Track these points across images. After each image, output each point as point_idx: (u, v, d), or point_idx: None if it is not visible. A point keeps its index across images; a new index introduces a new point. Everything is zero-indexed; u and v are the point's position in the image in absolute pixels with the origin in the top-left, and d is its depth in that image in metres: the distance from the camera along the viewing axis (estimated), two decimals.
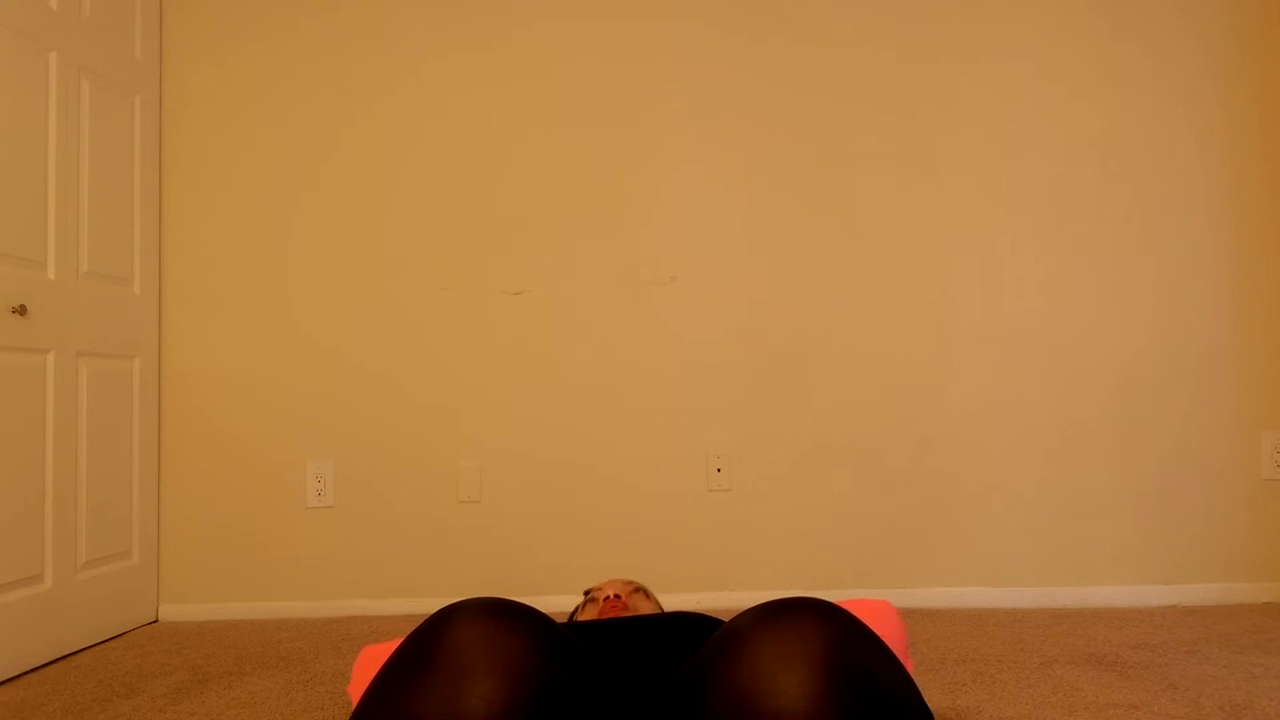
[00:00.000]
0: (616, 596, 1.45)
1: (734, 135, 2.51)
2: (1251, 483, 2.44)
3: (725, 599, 2.46)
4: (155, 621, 2.44)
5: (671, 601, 2.46)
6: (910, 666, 1.53)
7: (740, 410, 2.49)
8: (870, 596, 2.44)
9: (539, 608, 2.45)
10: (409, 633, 0.89)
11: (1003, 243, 2.48)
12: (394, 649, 0.95)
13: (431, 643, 0.83)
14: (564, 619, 2.38)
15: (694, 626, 1.12)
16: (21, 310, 1.96)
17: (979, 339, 2.48)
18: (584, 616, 1.48)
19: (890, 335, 2.48)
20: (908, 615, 2.34)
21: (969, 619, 2.28)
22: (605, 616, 1.39)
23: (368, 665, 1.28)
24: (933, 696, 1.66)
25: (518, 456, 2.49)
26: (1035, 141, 2.49)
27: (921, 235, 2.49)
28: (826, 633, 0.81)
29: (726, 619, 2.25)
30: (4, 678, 1.91)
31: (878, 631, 1.23)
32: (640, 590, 1.54)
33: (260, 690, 1.79)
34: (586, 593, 1.56)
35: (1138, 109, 2.49)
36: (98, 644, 2.20)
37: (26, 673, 1.97)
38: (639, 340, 2.50)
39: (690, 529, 2.48)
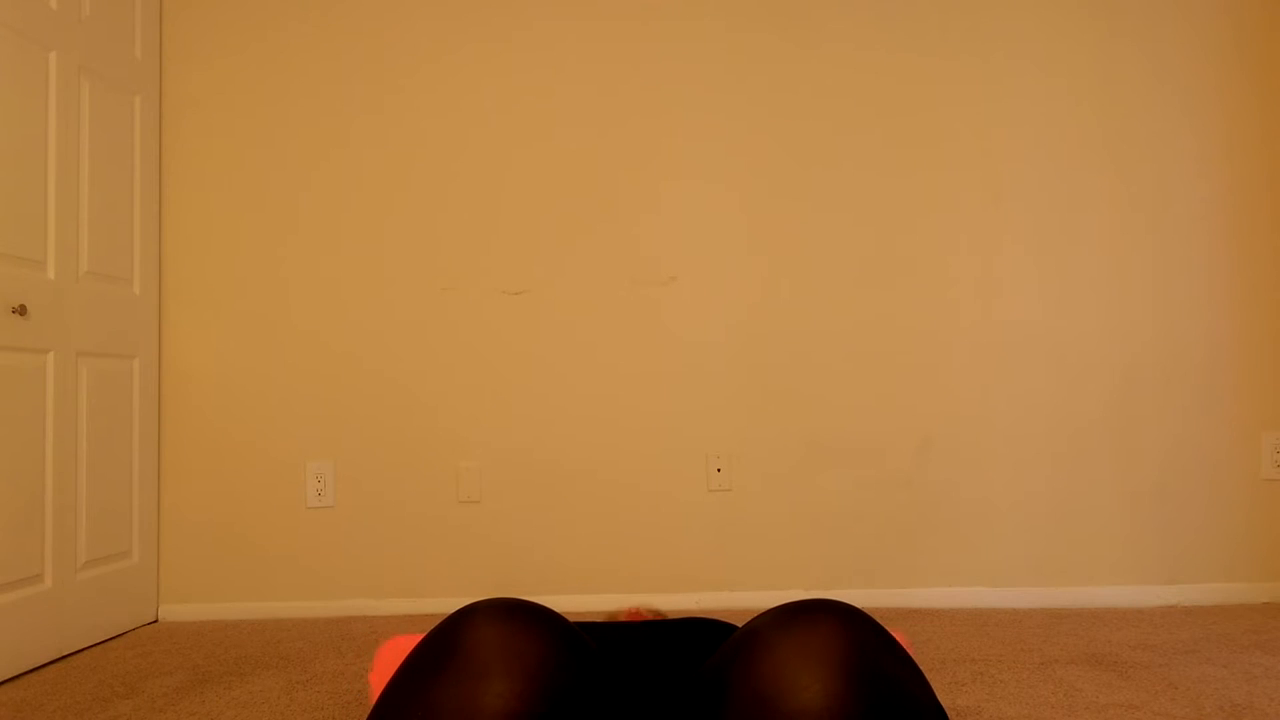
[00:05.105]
0: (638, 611, 1.48)
1: (734, 136, 2.51)
2: (1251, 483, 2.44)
3: (725, 599, 2.46)
4: (155, 621, 2.44)
5: (672, 602, 2.46)
6: None
7: (740, 410, 2.49)
8: (870, 597, 2.44)
9: None
10: (429, 631, 0.90)
11: (1003, 243, 2.48)
12: (417, 643, 0.97)
13: (449, 642, 0.84)
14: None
15: (709, 630, 1.13)
16: (21, 310, 1.96)
17: (979, 339, 2.48)
18: None
19: (890, 335, 2.48)
20: (908, 615, 2.34)
21: (969, 619, 2.28)
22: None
23: (392, 653, 1.28)
24: None
25: (518, 456, 2.49)
26: (1035, 141, 2.49)
27: (921, 235, 2.49)
28: (847, 634, 0.81)
29: (730, 620, 2.26)
30: (4, 678, 1.91)
31: None
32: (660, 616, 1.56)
33: (260, 690, 1.79)
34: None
35: (1138, 109, 2.49)
36: (98, 644, 2.20)
37: (26, 673, 1.97)
38: (639, 340, 2.50)
39: (690, 529, 2.48)
